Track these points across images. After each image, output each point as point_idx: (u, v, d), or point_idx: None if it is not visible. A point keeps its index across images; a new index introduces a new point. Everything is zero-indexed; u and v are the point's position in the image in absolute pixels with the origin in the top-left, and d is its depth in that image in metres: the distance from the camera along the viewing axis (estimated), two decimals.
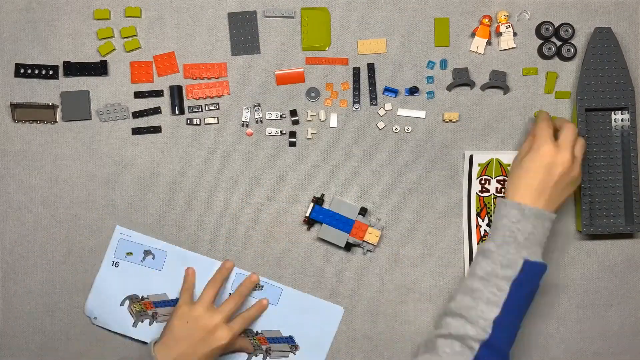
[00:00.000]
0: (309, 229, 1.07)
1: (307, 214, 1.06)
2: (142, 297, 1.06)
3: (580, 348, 1.09)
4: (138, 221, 1.06)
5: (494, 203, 1.08)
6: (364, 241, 1.06)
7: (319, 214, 1.06)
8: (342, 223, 1.06)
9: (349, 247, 1.07)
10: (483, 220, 1.08)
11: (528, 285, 0.92)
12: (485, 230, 1.08)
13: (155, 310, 1.06)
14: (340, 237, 1.06)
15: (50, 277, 1.06)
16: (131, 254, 1.06)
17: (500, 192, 1.08)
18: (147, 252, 1.06)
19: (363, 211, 1.07)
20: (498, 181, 1.08)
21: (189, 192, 1.07)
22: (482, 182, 1.08)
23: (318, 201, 1.06)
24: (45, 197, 1.06)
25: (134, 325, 1.06)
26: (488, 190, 1.08)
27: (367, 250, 1.07)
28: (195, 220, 1.07)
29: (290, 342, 1.07)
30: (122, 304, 1.06)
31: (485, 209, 1.08)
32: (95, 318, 1.06)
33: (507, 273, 0.91)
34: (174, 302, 1.06)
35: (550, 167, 0.94)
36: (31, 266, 1.06)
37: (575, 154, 0.96)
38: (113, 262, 1.06)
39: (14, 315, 1.07)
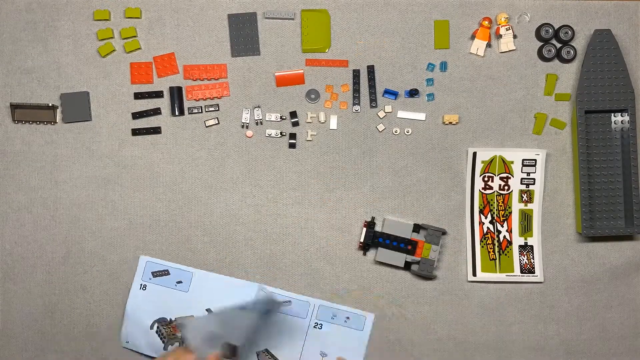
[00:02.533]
0: (364, 253, 1.07)
1: (362, 239, 1.06)
2: (170, 320, 1.06)
3: (581, 349, 1.09)
4: (138, 222, 1.06)
5: (497, 200, 1.08)
6: (422, 258, 1.06)
7: (373, 238, 1.06)
8: (398, 243, 1.06)
9: (408, 266, 1.07)
10: (486, 218, 1.08)
11: None
12: (487, 228, 1.08)
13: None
14: (399, 258, 1.06)
15: (50, 278, 1.06)
16: (167, 272, 1.06)
17: (504, 190, 1.08)
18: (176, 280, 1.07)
19: (417, 228, 1.06)
20: (501, 178, 1.08)
21: (189, 193, 1.07)
22: (485, 179, 1.08)
23: (370, 225, 1.06)
24: (45, 198, 1.06)
25: (165, 348, 1.06)
26: (491, 188, 1.08)
27: (429, 265, 1.06)
28: (195, 222, 1.07)
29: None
30: (151, 327, 1.06)
31: (488, 206, 1.08)
32: (127, 342, 1.06)
33: None
34: None
35: None
36: (31, 267, 1.06)
37: None
38: (140, 285, 1.06)
39: (14, 316, 1.06)
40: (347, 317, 1.07)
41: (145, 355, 1.07)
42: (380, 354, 1.08)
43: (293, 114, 1.07)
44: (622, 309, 1.09)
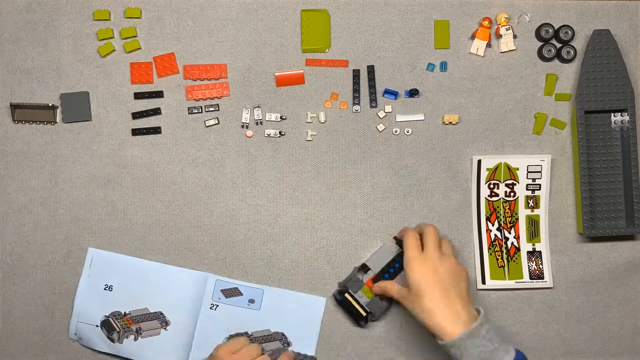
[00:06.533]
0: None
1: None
2: (125, 313, 1.05)
3: (581, 349, 1.09)
4: (138, 222, 1.06)
5: (503, 207, 1.08)
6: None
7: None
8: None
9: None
10: (493, 225, 1.08)
11: None
12: (495, 235, 1.08)
13: (139, 326, 1.05)
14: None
15: (50, 278, 1.06)
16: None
17: (510, 196, 1.08)
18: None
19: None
20: (507, 185, 1.08)
21: (189, 193, 1.07)
22: (491, 186, 1.08)
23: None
24: (45, 197, 1.06)
25: (120, 341, 1.04)
26: (497, 195, 1.08)
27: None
28: (195, 222, 1.07)
29: (282, 341, 1.07)
30: (102, 322, 1.05)
31: (495, 214, 1.08)
32: (80, 339, 1.06)
33: None
34: (154, 316, 1.05)
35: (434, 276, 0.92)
36: (31, 267, 1.06)
37: (444, 251, 0.95)
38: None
39: (14, 316, 1.06)
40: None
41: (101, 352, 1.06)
42: (379, 353, 1.08)
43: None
44: (622, 309, 1.09)
